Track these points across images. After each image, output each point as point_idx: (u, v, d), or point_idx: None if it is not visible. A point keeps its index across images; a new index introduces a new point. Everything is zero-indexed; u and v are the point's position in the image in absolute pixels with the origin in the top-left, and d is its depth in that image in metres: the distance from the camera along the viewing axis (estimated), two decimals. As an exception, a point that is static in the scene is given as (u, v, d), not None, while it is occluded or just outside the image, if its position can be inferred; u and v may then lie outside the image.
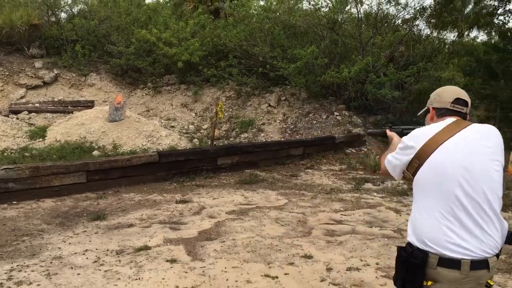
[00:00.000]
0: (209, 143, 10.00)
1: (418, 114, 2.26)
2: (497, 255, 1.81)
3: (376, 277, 3.81)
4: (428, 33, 15.13)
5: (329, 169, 9.24)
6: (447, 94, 2.02)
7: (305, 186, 7.54)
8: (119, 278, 3.60)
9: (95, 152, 8.98)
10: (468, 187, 1.79)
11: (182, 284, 3.52)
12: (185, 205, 6.00)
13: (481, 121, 14.37)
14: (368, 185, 7.71)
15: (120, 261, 3.97)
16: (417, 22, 15.28)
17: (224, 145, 10.33)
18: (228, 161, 8.59)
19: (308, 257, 4.20)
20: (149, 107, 14.57)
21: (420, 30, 15.41)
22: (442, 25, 14.54)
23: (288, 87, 13.74)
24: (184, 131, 12.84)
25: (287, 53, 12.64)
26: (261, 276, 3.73)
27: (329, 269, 3.93)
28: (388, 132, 2.42)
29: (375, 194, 7.08)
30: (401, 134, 2.29)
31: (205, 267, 3.90)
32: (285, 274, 3.80)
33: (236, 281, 3.63)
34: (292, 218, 5.49)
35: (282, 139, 11.21)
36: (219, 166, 8.42)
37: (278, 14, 13.25)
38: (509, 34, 12.60)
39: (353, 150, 11.25)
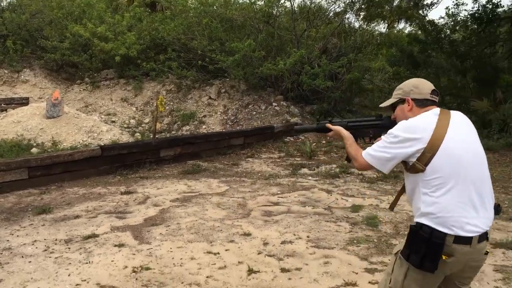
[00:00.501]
0: (151, 136, 10.16)
1: (382, 105, 2.33)
2: None
3: (307, 247, 4.29)
4: (358, 25, 15.98)
5: (269, 157, 9.72)
6: (424, 86, 2.15)
7: (245, 173, 7.97)
8: (70, 263, 3.83)
9: (34, 150, 8.89)
10: (477, 170, 2.01)
11: (131, 264, 3.81)
12: (129, 195, 6.22)
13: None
14: (304, 170, 8.26)
15: (69, 248, 4.19)
16: (347, 15, 16.14)
17: (166, 137, 10.54)
18: (170, 153, 8.82)
19: (247, 234, 4.61)
20: (88, 102, 14.40)
21: (351, 22, 16.28)
22: (370, 18, 15.40)
23: (228, 79, 14.09)
24: (125, 125, 12.87)
25: (225, 46, 12.96)
26: (204, 253, 4.10)
27: (265, 244, 4.37)
28: (333, 127, 2.45)
29: (310, 178, 7.64)
30: (346, 127, 2.40)
31: (151, 248, 4.21)
32: (226, 250, 4.19)
33: (181, 258, 3.98)
34: (233, 203, 5.89)
35: (223, 130, 11.55)
36: (162, 158, 8.64)
37: (215, 7, 13.47)
38: (428, 26, 13.62)
39: (291, 139, 11.81)
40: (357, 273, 3.71)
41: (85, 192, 6.41)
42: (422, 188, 1.99)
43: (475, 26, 13.07)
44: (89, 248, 4.20)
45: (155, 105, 11.18)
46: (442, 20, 14.63)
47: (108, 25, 14.36)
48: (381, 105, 2.34)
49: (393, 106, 2.24)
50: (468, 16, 13.06)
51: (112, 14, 15.55)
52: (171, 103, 13.90)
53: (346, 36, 15.16)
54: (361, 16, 16.10)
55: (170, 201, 5.97)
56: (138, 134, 11.93)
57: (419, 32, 14.09)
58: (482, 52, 12.37)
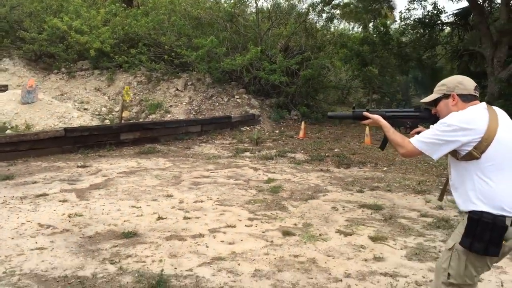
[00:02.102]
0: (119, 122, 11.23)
1: (424, 100, 2.46)
2: None
3: (212, 205, 5.44)
4: (320, 26, 17.12)
5: (221, 143, 10.85)
6: (469, 82, 2.30)
7: (193, 154, 9.10)
8: (20, 211, 4.93)
9: (8, 131, 9.91)
10: None
11: (68, 212, 4.93)
12: (84, 169, 7.31)
13: (360, 103, 16.73)
14: (246, 154, 9.41)
15: (22, 202, 5.28)
16: (311, 16, 17.25)
17: (126, 122, 11.59)
18: (130, 137, 9.91)
19: (169, 196, 5.76)
20: (63, 91, 15.37)
21: (316, 22, 17.40)
22: (330, 19, 16.57)
23: (195, 73, 15.17)
24: (96, 113, 13.89)
25: (192, 42, 14.04)
26: (129, 207, 5.23)
27: (181, 202, 5.51)
28: (371, 115, 2.58)
29: (247, 159, 8.80)
30: (385, 117, 2.54)
31: (88, 203, 5.32)
32: (147, 205, 5.32)
33: (110, 210, 5.10)
34: (170, 175, 7.03)
35: (180, 118, 12.64)
36: (122, 141, 9.72)
37: (183, 6, 14.51)
38: (377, 28, 14.82)
39: (248, 128, 12.96)
40: (240, 221, 4.87)
41: (46, 166, 7.48)
42: (478, 174, 2.12)
43: (421, 30, 14.32)
44: (38, 202, 5.30)
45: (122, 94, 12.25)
46: (395, 23, 15.82)
47: (83, 19, 15.34)
48: (423, 100, 2.48)
49: (436, 101, 2.37)
50: (417, 20, 14.28)
51: (89, 8, 16.52)
52: (141, 94, 14.95)
53: (308, 36, 16.29)
54: (324, 17, 17.24)
55: (117, 173, 7.07)
56: (108, 121, 12.98)
57: (373, 31, 15.20)
58: (423, 54, 13.61)
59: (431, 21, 13.94)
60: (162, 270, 3.48)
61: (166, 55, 14.14)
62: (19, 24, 16.56)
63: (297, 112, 14.73)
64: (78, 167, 7.40)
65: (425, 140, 2.22)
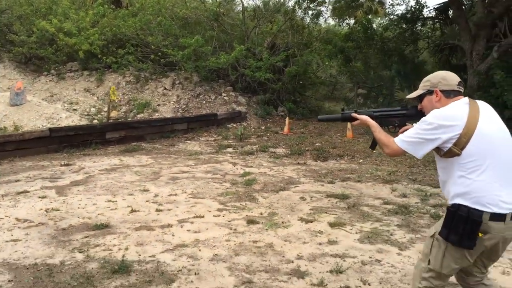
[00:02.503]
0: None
1: (410, 96, 2.48)
2: None
3: (185, 197, 5.70)
4: (307, 22, 17.33)
5: (206, 139, 11.10)
6: (452, 77, 2.31)
7: (176, 151, 9.34)
8: (0, 207, 5.18)
9: (-4, 133, 10.13)
10: (507, 151, 2.16)
11: (45, 207, 5.17)
12: (68, 167, 7.55)
13: (346, 98, 16.98)
14: (229, 150, 9.66)
15: (3, 199, 5.52)
16: (298, 13, 17.45)
17: (112, 121, 11.82)
18: (116, 135, 10.14)
19: (145, 190, 6.00)
20: (53, 92, 15.57)
21: (302, 19, 17.59)
22: (316, 15, 16.77)
23: (183, 72, 15.39)
24: (86, 113, 14.10)
25: (179, 42, 14.26)
26: (105, 201, 5.48)
27: (155, 196, 5.76)
28: (360, 116, 2.60)
29: (228, 155, 9.05)
30: (372, 116, 2.56)
31: (66, 198, 5.57)
32: (123, 199, 5.57)
33: (86, 204, 5.35)
34: (149, 171, 7.27)
35: (167, 116, 12.88)
36: (107, 139, 9.96)
37: (169, 6, 14.72)
38: (366, 24, 15.06)
39: (234, 125, 13.20)
40: (209, 211, 5.12)
41: (31, 165, 7.72)
42: (458, 171, 2.15)
43: (404, 26, 14.56)
44: (18, 199, 5.54)
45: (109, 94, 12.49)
46: (379, 19, 16.05)
47: (72, 21, 15.54)
48: (408, 96, 2.51)
49: (420, 97, 2.39)
50: (399, 15, 14.52)
51: (78, 10, 16.71)
52: (130, 93, 15.16)
53: (293, 33, 16.51)
54: (310, 13, 17.42)
55: (99, 170, 7.31)
56: (96, 120, 13.19)
57: (358, 28, 15.40)
58: (405, 48, 13.85)
59: (413, 16, 14.19)
60: (124, 256, 3.73)
61: (153, 55, 14.35)
62: (8, 27, 16.75)
63: (284, 108, 14.97)
64: (61, 165, 7.64)
65: (407, 139, 2.24)
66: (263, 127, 13.15)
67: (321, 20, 17.47)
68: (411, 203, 5.53)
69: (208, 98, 14.78)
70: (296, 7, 16.65)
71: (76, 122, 12.25)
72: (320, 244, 4.13)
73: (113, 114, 14.13)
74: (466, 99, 2.25)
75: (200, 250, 3.95)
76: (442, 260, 2.20)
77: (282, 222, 4.74)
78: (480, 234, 2.07)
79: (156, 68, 15.25)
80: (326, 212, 5.11)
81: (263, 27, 16.49)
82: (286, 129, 12.22)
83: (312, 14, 16.98)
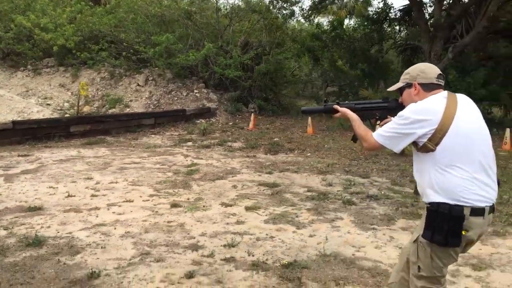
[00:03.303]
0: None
1: (390, 89, 2.44)
2: None
3: (124, 185, 6.08)
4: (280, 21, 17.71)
5: (171, 134, 11.48)
6: (430, 70, 2.25)
7: (136, 144, 9.72)
8: None
9: (-36, 125, 10.44)
10: (483, 148, 2.14)
11: (-12, 192, 5.55)
12: (25, 157, 7.90)
13: (316, 95, 17.41)
14: (188, 143, 10.05)
15: (-49, 184, 5.89)
16: (274, 12, 17.80)
17: (77, 115, 12.17)
18: (80, 129, 10.50)
19: (89, 178, 6.39)
20: (29, 87, 15.89)
21: (276, 18, 17.97)
22: (289, 15, 17.17)
23: (157, 68, 15.74)
24: (59, 108, 14.43)
25: (151, 39, 14.62)
26: (46, 187, 5.85)
27: (97, 183, 6.14)
28: (340, 108, 2.55)
29: (185, 148, 9.44)
30: (353, 109, 2.51)
31: (12, 184, 5.94)
32: (64, 186, 5.95)
33: (27, 190, 5.72)
34: (100, 161, 7.65)
35: (130, 111, 13.23)
36: (72, 133, 10.31)
37: (142, 4, 15.07)
38: (336, 24, 15.49)
39: (203, 121, 13.57)
40: (141, 197, 5.52)
41: (-10, 155, 8.07)
42: (434, 166, 2.11)
43: (371, 27, 15.01)
44: (-34, 184, 5.91)
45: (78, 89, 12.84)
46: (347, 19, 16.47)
47: (50, 17, 15.84)
48: (389, 89, 2.47)
49: (401, 90, 2.35)
50: (365, 16, 14.97)
51: (56, 7, 17.00)
52: (104, 89, 15.51)
53: (268, 32, 16.89)
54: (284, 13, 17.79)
55: (53, 160, 7.68)
56: (68, 115, 13.52)
57: (326, 28, 15.83)
58: (371, 48, 14.31)
59: (379, 18, 14.63)
60: (37, 231, 4.12)
61: (125, 52, 14.69)
62: (-14, 23, 17.03)
63: (254, 105, 15.38)
64: (19, 156, 8.00)
65: (385, 134, 2.21)
66: (230, 123, 13.55)
67: (294, 20, 17.79)
68: (332, 191, 5.95)
69: (180, 94, 15.16)
70: (271, 6, 17.08)
71: (47, 116, 12.57)
72: (227, 224, 4.55)
73: (86, 109, 14.50)
74: (445, 92, 2.20)
75: (115, 229, 4.34)
76: (431, 263, 2.15)
77: (204, 206, 5.15)
78: (463, 232, 2.04)
79: (131, 64, 15.59)
80: (248, 198, 5.53)
81: (238, 25, 16.90)
82: (251, 125, 12.62)
83: (286, 14, 17.37)
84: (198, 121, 13.41)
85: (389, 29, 15.05)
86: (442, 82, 2.25)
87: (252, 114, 13.05)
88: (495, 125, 10.28)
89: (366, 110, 2.55)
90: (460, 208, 2.04)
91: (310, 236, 4.26)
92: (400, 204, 5.40)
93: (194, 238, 4.14)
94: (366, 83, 14.29)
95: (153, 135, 11.24)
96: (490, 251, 3.98)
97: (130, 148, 9.27)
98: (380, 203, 5.45)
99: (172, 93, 15.16)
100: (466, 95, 2.27)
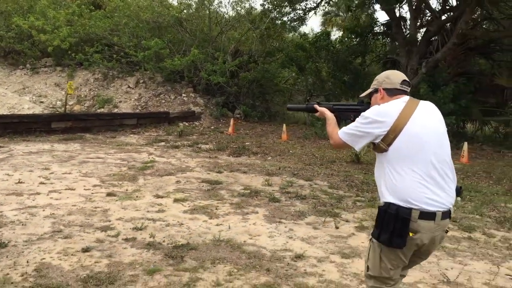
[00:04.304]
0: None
1: (362, 95, 2.56)
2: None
3: (76, 175, 6.55)
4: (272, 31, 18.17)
5: (149, 134, 11.97)
6: (395, 76, 2.38)
7: (110, 142, 10.22)
8: None
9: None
10: (437, 152, 2.19)
11: None
12: (-2, 149, 8.44)
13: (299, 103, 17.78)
14: (161, 143, 10.53)
15: None
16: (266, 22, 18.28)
17: (58, 112, 12.74)
18: (62, 125, 11.04)
19: (46, 169, 6.87)
20: (26, 85, 16.56)
21: (267, 28, 18.44)
22: (281, 25, 17.60)
23: (148, 72, 16.32)
24: (51, 106, 15.05)
25: (142, 44, 15.22)
26: (3, 175, 6.34)
27: (51, 173, 6.61)
28: (319, 108, 2.72)
29: (155, 147, 9.92)
30: (332, 109, 2.68)
31: (-29, 170, 6.46)
32: (20, 174, 6.42)
33: (-16, 175, 6.23)
34: (67, 155, 8.14)
35: (117, 111, 13.78)
36: (53, 129, 10.86)
37: (134, 10, 15.69)
38: (323, 37, 15.93)
39: (186, 124, 14.06)
40: (84, 186, 5.97)
41: (-33, 145, 8.62)
42: (388, 167, 2.20)
43: (357, 39, 15.42)
44: None
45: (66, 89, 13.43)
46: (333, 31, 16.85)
47: (48, 19, 16.55)
48: (361, 96, 2.60)
49: (370, 95, 2.48)
50: (349, 28, 15.39)
51: (56, 10, 17.73)
52: (96, 90, 16.11)
53: (259, 41, 17.36)
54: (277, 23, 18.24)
55: (23, 152, 8.20)
56: (58, 112, 14.10)
57: (311, 39, 16.25)
58: (353, 61, 14.71)
59: (364, 31, 15.04)
60: (-33, 207, 4.61)
61: (116, 54, 15.29)
62: (-10, 22, 17.82)
63: (240, 111, 15.84)
64: (-7, 147, 8.53)
65: (348, 131, 2.33)
66: (212, 127, 14.01)
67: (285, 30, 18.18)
68: (267, 190, 6.34)
69: (168, 97, 15.69)
70: (263, 16, 17.56)
71: (37, 113, 13.16)
72: (148, 212, 4.98)
73: (76, 108, 15.11)
74: (406, 97, 2.30)
75: (43, 211, 4.80)
76: (379, 263, 2.20)
77: (137, 197, 5.59)
78: (411, 234, 2.08)
79: (123, 67, 16.19)
80: (183, 192, 5.95)
81: (229, 33, 17.45)
82: (230, 129, 13.07)
83: (279, 24, 17.83)
84: (181, 124, 13.89)
85: (372, 43, 15.41)
86: (406, 88, 2.36)
87: (232, 119, 13.51)
88: (464, 139, 10.50)
89: (342, 111, 2.71)
90: (407, 210, 2.08)
91: (217, 225, 4.66)
92: (321, 203, 5.77)
93: (110, 221, 4.58)
94: (347, 93, 14.67)
95: (132, 135, 11.74)
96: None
97: (102, 145, 9.77)
98: (303, 202, 5.83)
99: (161, 96, 15.70)
100: None
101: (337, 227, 4.78)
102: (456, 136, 11.30)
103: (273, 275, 3.48)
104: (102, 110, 14.74)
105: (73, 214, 4.72)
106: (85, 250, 3.77)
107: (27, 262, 3.48)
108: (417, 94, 11.94)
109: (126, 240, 4.08)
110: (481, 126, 12.88)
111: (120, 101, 15.38)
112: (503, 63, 13.09)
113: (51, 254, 3.67)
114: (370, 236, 2.29)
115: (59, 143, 9.58)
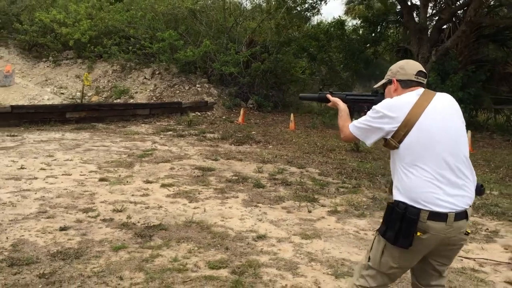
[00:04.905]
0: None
1: (376, 86, 2.44)
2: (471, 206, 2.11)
3: (76, 162, 6.91)
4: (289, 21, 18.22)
5: (160, 124, 12.32)
6: (410, 67, 2.24)
7: (120, 131, 10.60)
8: None
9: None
10: (452, 149, 2.06)
11: (-43, 161, 6.52)
12: (12, 137, 8.91)
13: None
14: (169, 132, 10.85)
15: None
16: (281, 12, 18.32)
17: (73, 103, 13.23)
18: (76, 115, 11.50)
19: (50, 156, 7.25)
20: (48, 77, 17.23)
21: (283, 18, 18.50)
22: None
23: (164, 63, 16.70)
24: (71, 97, 15.65)
25: (157, 36, 15.59)
26: (8, 161, 6.76)
27: (54, 160, 6.99)
28: (332, 98, 2.60)
29: (161, 136, 10.23)
30: (345, 100, 2.56)
31: (-19, 157, 6.91)
32: (24, 160, 6.83)
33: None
34: (74, 143, 8.54)
35: (132, 102, 14.20)
36: (67, 118, 11.33)
37: (149, 3, 16.06)
38: (334, 26, 15.88)
39: (198, 114, 14.37)
40: (81, 172, 6.31)
41: (-15, 134, 9.15)
42: (399, 165, 2.10)
43: (370, 28, 15.33)
44: None
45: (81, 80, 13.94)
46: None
47: (70, 13, 17.14)
48: (375, 86, 2.48)
49: (384, 86, 2.37)
50: (363, 17, 15.30)
51: (78, 4, 18.31)
52: (114, 81, 16.61)
53: (274, 32, 17.45)
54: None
55: (34, 140, 8.65)
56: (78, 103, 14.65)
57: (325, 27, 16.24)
58: (366, 49, 14.64)
59: (377, 20, 14.93)
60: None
61: (131, 46, 15.71)
62: (17, 17, 18.55)
63: (253, 101, 16.04)
64: (8, 135, 9.02)
65: (358, 125, 2.23)
66: (224, 117, 14.26)
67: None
68: (256, 177, 6.54)
69: (182, 88, 16.03)
70: (278, 6, 17.61)
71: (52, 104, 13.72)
72: (132, 195, 5.26)
73: (94, 98, 15.64)
74: (421, 90, 2.18)
75: (35, 193, 5.15)
76: (380, 257, 2.13)
77: (127, 182, 5.89)
78: (418, 233, 1.99)
79: (140, 59, 16.61)
80: (172, 178, 6.22)
81: (245, 23, 17.63)
82: (240, 119, 13.29)
83: (295, 13, 17.86)
84: (194, 114, 14.20)
85: (385, 32, 15.28)
86: (422, 80, 2.24)
87: (242, 109, 13.72)
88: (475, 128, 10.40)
89: (356, 102, 2.59)
90: (416, 210, 1.99)
91: (195, 208, 4.91)
92: (303, 189, 5.94)
93: (94, 204, 4.88)
94: (360, 83, 14.62)
95: (143, 124, 12.10)
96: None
97: (111, 134, 10.15)
98: (287, 188, 6.01)
99: (175, 86, 16.06)
100: None
101: (309, 211, 4.95)
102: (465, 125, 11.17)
103: (230, 253, 3.70)
104: (118, 100, 15.20)
105: (61, 197, 5.05)
106: (62, 229, 4.08)
107: (7, 238, 3.81)
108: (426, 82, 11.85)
109: (104, 220, 4.37)
110: (493, 115, 12.65)
111: (136, 92, 15.81)
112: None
113: (30, 232, 3.99)
114: (377, 229, 2.21)
115: (70, 132, 10.01)
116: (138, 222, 4.37)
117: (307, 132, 11.78)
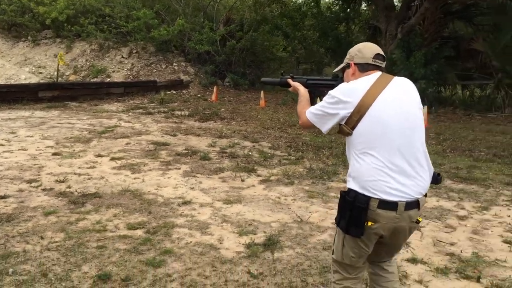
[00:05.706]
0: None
1: (335, 70, 2.36)
2: (425, 195, 2.07)
3: (36, 138, 7.20)
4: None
5: (133, 102, 12.57)
6: (367, 50, 2.14)
7: (90, 110, 10.87)
8: None
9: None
10: (406, 136, 1.99)
11: None
12: (-19, 115, 9.18)
13: (287, 71, 18.05)
14: (138, 110, 11.12)
15: None
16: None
17: (46, 82, 13.44)
18: (49, 95, 11.73)
19: (12, 133, 7.54)
20: (27, 57, 17.36)
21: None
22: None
23: (141, 42, 16.84)
24: (49, 76, 15.83)
25: (132, 14, 15.71)
26: (-30, 137, 7.06)
27: (15, 136, 7.29)
28: (292, 82, 2.52)
29: (130, 114, 10.51)
30: (306, 84, 2.47)
31: None
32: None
33: (-47, 138, 6.95)
34: (39, 121, 8.82)
35: (109, 81, 14.41)
36: (40, 98, 11.56)
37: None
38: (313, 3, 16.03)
39: (174, 92, 14.61)
40: (38, 147, 6.61)
41: (-46, 113, 9.41)
42: (353, 152, 2.05)
43: (344, 6, 15.49)
44: None
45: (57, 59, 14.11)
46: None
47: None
48: (334, 70, 2.40)
49: (343, 70, 2.27)
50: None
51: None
52: (92, 60, 16.77)
53: (254, 10, 17.54)
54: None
55: (1, 119, 8.91)
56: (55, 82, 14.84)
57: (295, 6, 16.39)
58: (338, 27, 14.84)
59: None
60: None
61: (107, 25, 15.83)
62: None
63: (229, 79, 16.27)
64: (-24, 114, 9.29)
65: (314, 111, 2.16)
66: (199, 95, 14.52)
67: None
68: (206, 150, 6.86)
69: (159, 67, 16.23)
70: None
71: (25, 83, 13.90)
72: (79, 168, 5.59)
73: (72, 78, 15.82)
74: (377, 74, 2.09)
75: (1, 166, 5.47)
76: (342, 249, 2.11)
77: (79, 156, 6.21)
78: (369, 223, 1.96)
79: (118, 38, 16.73)
80: (124, 152, 6.54)
81: (223, 1, 17.77)
82: (213, 96, 13.56)
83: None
84: (169, 92, 14.45)
85: (358, 9, 15.46)
86: (379, 63, 2.14)
87: (215, 87, 13.97)
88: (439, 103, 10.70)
89: (316, 86, 2.50)
90: (365, 198, 1.95)
91: (135, 178, 5.24)
92: (247, 161, 6.27)
93: (39, 175, 5.21)
94: (332, 60, 14.88)
95: (115, 103, 12.36)
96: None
97: (81, 112, 10.43)
98: (232, 160, 6.34)
99: (152, 65, 16.24)
100: (408, 74, 2.47)
101: (242, 180, 5.30)
102: (429, 101, 11.50)
103: (151, 216, 4.05)
104: (95, 79, 15.40)
105: (11, 170, 5.37)
106: (2, 197, 4.41)
107: None
108: (391, 59, 12.13)
109: (44, 190, 4.70)
110: (460, 91, 12.97)
111: (114, 71, 16.00)
112: (485, 27, 13.03)
113: (-31, 200, 4.32)
114: None
115: (41, 111, 10.27)
116: (76, 191, 4.70)
117: (275, 109, 12.08)
